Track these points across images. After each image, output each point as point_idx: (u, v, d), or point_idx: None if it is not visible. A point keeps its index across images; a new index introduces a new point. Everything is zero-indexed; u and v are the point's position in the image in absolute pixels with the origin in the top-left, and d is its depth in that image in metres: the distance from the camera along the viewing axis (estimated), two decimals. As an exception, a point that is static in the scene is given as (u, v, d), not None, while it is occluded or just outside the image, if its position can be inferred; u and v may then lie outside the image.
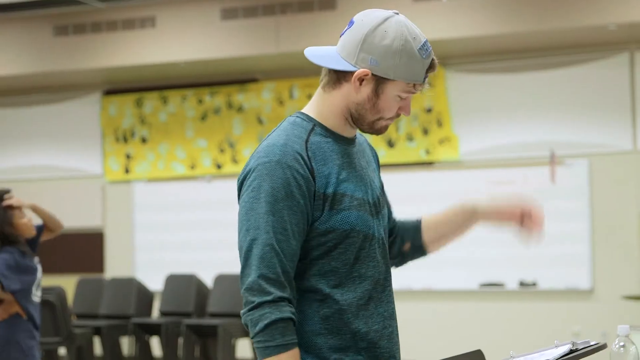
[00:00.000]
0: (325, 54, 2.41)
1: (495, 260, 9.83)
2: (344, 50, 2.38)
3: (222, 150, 10.97)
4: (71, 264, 11.26)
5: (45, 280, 6.15)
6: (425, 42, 2.37)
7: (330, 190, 2.34)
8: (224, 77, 11.00)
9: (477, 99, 10.01)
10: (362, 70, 2.35)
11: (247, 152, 10.83)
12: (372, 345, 2.38)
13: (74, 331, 9.29)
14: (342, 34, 2.40)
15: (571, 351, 2.34)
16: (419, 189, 10.06)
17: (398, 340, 2.48)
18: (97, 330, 9.64)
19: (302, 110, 2.46)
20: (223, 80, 11.01)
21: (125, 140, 11.31)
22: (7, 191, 5.77)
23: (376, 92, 2.37)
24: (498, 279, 9.86)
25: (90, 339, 9.52)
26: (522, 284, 9.76)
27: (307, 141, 2.37)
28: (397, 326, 2.48)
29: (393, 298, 2.49)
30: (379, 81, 2.36)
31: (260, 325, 2.25)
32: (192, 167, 11.07)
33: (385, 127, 2.44)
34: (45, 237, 6.05)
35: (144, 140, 11.27)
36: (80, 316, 10.12)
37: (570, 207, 9.64)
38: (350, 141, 2.47)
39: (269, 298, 2.25)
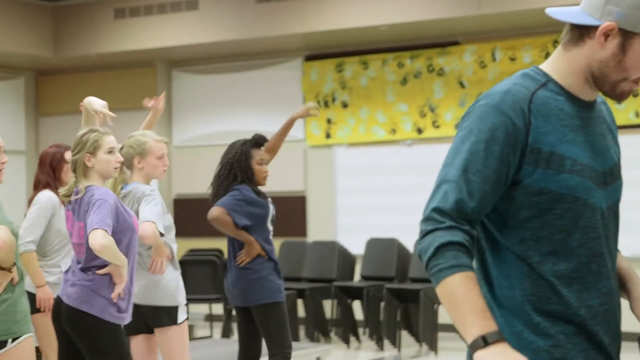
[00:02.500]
0: (567, 11, 2.33)
1: None
2: (588, 6, 2.29)
3: (423, 115, 10.87)
4: (275, 228, 11.41)
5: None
6: None
7: (546, 148, 2.25)
8: (425, 40, 10.88)
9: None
10: (607, 24, 2.25)
11: (449, 116, 10.69)
12: (583, 321, 2.27)
13: (278, 293, 9.48)
14: None
15: None
16: (627, 153, 9.63)
17: (618, 318, 2.35)
18: (301, 293, 9.81)
19: (539, 66, 2.38)
20: (423, 43, 10.90)
21: (327, 105, 11.39)
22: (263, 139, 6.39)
23: (623, 48, 2.26)
24: None
25: (294, 301, 9.69)
26: None
27: (533, 93, 2.29)
28: (619, 304, 2.35)
29: (615, 274, 2.37)
30: (626, 36, 2.25)
31: (431, 250, 2.18)
32: (393, 131, 11.04)
33: (629, 92, 2.32)
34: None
35: (344, 105, 11.32)
36: (284, 279, 10.30)
37: None
38: (588, 105, 2.36)
39: (441, 226, 2.19)
